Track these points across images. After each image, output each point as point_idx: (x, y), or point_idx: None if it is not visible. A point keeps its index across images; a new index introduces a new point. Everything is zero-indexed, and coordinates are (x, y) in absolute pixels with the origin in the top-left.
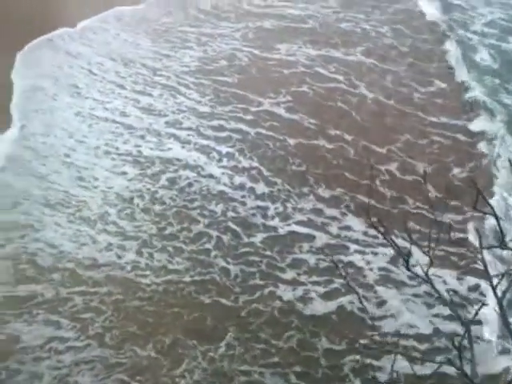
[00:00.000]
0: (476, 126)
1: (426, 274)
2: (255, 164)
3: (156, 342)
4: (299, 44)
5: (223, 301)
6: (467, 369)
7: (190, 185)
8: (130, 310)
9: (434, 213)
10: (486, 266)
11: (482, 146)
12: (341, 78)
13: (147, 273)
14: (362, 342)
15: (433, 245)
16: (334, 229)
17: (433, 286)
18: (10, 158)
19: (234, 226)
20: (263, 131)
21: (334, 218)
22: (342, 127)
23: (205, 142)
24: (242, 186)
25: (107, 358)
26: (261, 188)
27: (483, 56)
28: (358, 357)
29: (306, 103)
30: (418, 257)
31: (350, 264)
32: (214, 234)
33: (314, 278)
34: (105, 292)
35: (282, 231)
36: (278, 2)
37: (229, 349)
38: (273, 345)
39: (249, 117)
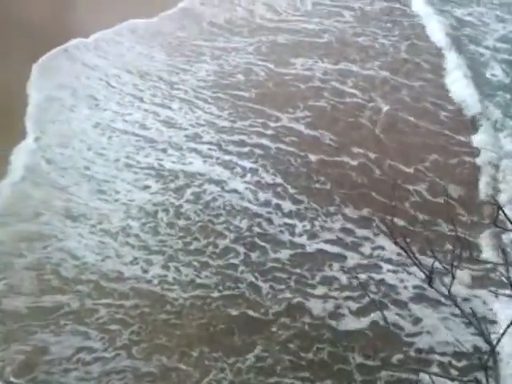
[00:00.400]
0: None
1: (449, 292)
2: (279, 180)
3: (183, 354)
4: (315, 58)
5: (251, 314)
6: None
7: (214, 199)
8: (157, 323)
9: (456, 229)
10: (511, 284)
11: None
12: (359, 93)
13: (174, 287)
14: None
15: (456, 263)
16: (365, 249)
17: (456, 304)
18: (29, 169)
19: (261, 242)
20: (284, 147)
21: (365, 238)
22: (365, 144)
23: (227, 157)
24: (267, 203)
25: (136, 369)
26: (287, 206)
27: (495, 71)
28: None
29: (325, 119)
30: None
31: (382, 282)
32: (241, 249)
33: (346, 294)
34: (131, 305)
35: (310, 249)
36: (291, 17)
37: (257, 361)
38: (302, 357)
39: (269, 132)
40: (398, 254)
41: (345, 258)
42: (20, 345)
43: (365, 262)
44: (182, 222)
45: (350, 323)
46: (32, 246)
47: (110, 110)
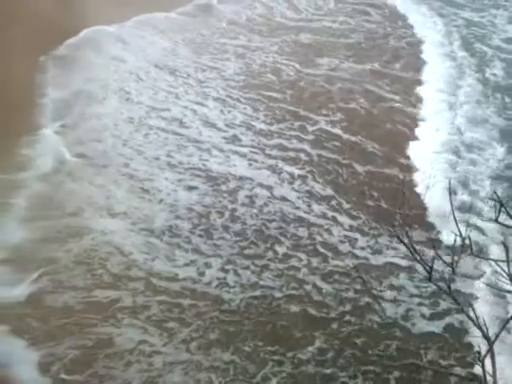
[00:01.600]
0: None
1: (449, 287)
2: (330, 192)
3: (241, 349)
4: (340, 59)
5: (313, 312)
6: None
7: (265, 205)
8: (213, 321)
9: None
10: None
11: None
12: (392, 96)
13: (233, 289)
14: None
15: (456, 257)
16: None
17: (454, 299)
18: (63, 164)
19: (322, 250)
20: (327, 154)
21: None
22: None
23: (271, 162)
24: (323, 215)
25: (195, 362)
26: (344, 220)
27: (496, 71)
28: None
29: (361, 123)
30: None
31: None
32: (302, 255)
33: (417, 300)
34: (187, 304)
35: (376, 261)
36: (312, 16)
37: (318, 354)
38: (368, 352)
39: (309, 137)
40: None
41: (414, 269)
42: (76, 339)
43: None
44: (236, 226)
45: (421, 322)
46: (78, 241)
47: (145, 105)
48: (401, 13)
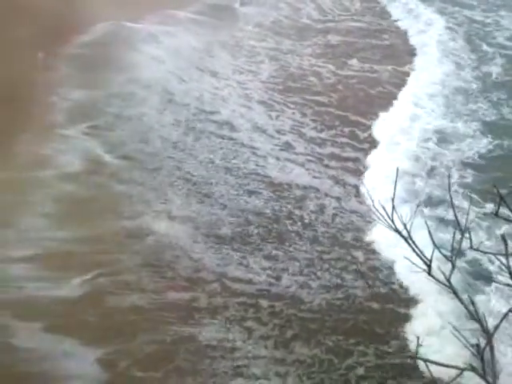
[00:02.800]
0: None
1: (448, 280)
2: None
3: (322, 343)
4: (373, 60)
5: (402, 311)
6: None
7: (335, 215)
8: (293, 318)
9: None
10: (511, 273)
11: None
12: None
13: (313, 290)
14: None
15: (455, 251)
16: None
17: (455, 293)
18: (102, 166)
19: None
20: None
21: None
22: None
23: (332, 172)
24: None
25: (277, 357)
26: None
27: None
28: None
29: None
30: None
31: None
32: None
33: None
34: (266, 305)
35: None
36: (338, 17)
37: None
38: None
39: (364, 145)
40: None
41: None
42: (150, 335)
43: None
44: (310, 233)
45: None
46: (138, 243)
47: (191, 107)
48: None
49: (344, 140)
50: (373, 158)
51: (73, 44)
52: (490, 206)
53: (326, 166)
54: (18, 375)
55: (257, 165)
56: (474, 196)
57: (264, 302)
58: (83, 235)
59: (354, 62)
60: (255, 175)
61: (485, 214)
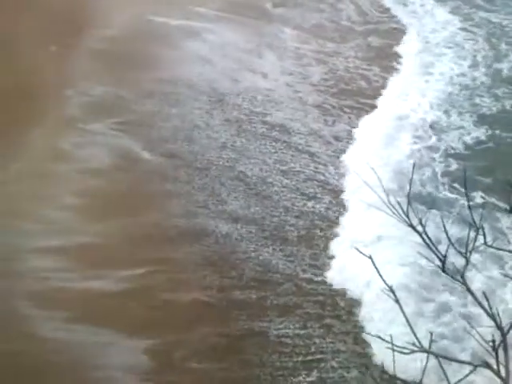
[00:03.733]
0: None
1: (462, 277)
2: None
3: None
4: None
5: None
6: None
7: None
8: None
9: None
10: None
11: None
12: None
13: None
14: None
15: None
16: None
17: (468, 289)
18: (138, 162)
19: None
20: None
21: None
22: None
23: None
24: None
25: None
26: None
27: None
28: None
29: None
30: None
31: None
32: None
33: None
34: (343, 304)
35: None
36: (377, 18)
37: None
38: None
39: None
40: None
41: None
42: (214, 328)
43: None
44: None
45: None
46: (194, 243)
47: (242, 108)
48: None
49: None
50: None
51: (95, 38)
52: (478, 195)
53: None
54: (52, 365)
55: (316, 171)
56: (456, 185)
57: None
58: (122, 231)
59: (398, 66)
60: (315, 181)
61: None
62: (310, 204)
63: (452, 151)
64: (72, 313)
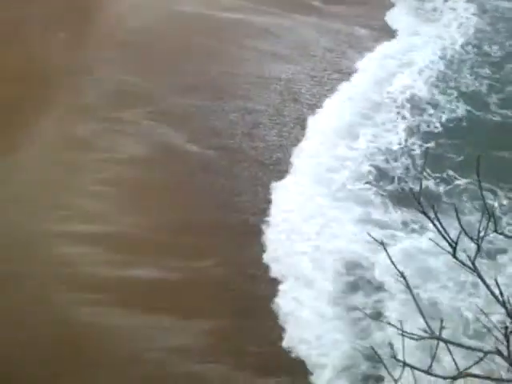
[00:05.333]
0: None
1: (473, 263)
2: None
3: None
4: None
5: None
6: None
7: None
8: None
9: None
10: None
11: None
12: None
13: None
14: None
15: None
16: None
17: (479, 276)
18: (202, 156)
19: None
20: None
21: None
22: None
23: None
24: None
25: None
26: None
27: None
28: None
29: None
30: None
31: None
32: None
33: None
34: None
35: None
36: None
37: None
38: None
39: None
40: None
41: None
42: None
43: None
44: None
45: None
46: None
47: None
48: None
49: None
50: None
51: (122, 30)
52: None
53: None
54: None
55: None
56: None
57: None
58: (169, 224)
59: None
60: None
61: None
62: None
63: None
64: (113, 297)
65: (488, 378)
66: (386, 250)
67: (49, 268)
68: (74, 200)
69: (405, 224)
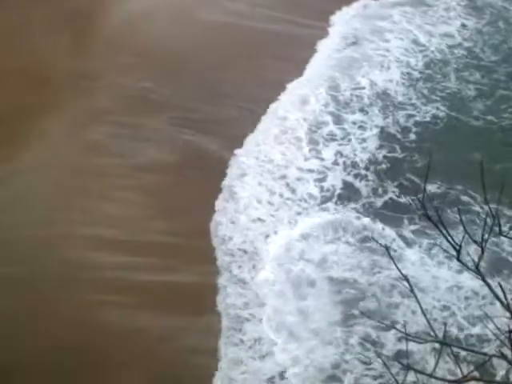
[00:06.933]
0: None
1: (477, 267)
2: None
3: None
4: None
5: None
6: None
7: None
8: None
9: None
10: None
11: None
12: None
13: None
14: None
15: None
16: None
17: (483, 279)
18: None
19: None
20: None
21: None
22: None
23: None
24: None
25: None
26: None
27: None
28: None
29: None
30: None
31: None
32: None
33: None
34: None
35: None
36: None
37: None
38: None
39: None
40: None
41: None
42: None
43: None
44: None
45: None
46: None
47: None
48: None
49: None
50: None
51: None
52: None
53: None
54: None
55: None
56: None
57: None
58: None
59: None
60: None
61: None
62: None
63: None
64: (139, 300)
65: (492, 381)
66: (390, 254)
67: (73, 270)
68: (98, 204)
69: None
